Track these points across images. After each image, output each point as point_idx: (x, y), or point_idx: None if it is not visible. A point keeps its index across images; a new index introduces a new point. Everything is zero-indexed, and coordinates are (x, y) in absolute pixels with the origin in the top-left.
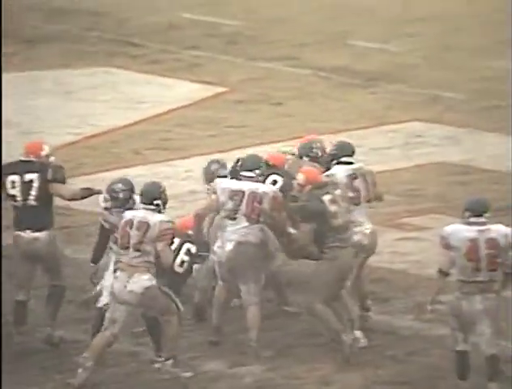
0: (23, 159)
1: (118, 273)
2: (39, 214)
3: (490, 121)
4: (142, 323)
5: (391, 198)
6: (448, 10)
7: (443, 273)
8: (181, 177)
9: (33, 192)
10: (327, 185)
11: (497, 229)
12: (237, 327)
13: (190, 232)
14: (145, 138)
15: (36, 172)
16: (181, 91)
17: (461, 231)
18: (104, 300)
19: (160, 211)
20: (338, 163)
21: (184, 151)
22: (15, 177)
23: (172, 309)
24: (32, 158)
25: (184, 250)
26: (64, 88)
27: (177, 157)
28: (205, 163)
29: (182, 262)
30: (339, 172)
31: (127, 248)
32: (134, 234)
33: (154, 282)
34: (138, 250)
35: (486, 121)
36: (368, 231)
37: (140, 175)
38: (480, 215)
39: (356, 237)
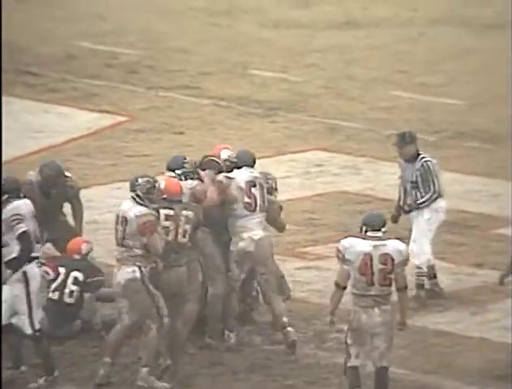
0: None
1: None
2: None
3: (388, 151)
4: None
5: (292, 227)
6: (344, 42)
7: (340, 286)
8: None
9: None
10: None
11: (393, 245)
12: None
13: (77, 257)
14: None
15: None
16: (80, 121)
17: (356, 245)
18: None
19: (140, 203)
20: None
21: (84, 180)
22: None
23: (152, 314)
24: None
25: (71, 279)
26: None
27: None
28: (109, 191)
29: (71, 292)
30: (239, 175)
31: (118, 243)
32: (119, 229)
33: (138, 275)
34: (122, 245)
35: (384, 150)
36: (256, 237)
37: None
38: (377, 230)
39: (241, 244)
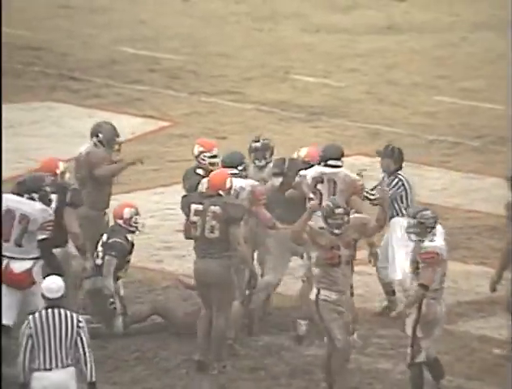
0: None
1: None
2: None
3: (431, 156)
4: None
5: None
6: (385, 47)
7: (427, 289)
8: None
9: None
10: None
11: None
12: None
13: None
14: None
15: (54, 193)
16: (123, 126)
17: (443, 246)
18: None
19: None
20: (325, 165)
21: (127, 185)
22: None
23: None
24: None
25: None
26: (5, 123)
27: (119, 191)
28: (151, 196)
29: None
30: (309, 173)
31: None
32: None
33: None
34: None
35: (427, 155)
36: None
37: None
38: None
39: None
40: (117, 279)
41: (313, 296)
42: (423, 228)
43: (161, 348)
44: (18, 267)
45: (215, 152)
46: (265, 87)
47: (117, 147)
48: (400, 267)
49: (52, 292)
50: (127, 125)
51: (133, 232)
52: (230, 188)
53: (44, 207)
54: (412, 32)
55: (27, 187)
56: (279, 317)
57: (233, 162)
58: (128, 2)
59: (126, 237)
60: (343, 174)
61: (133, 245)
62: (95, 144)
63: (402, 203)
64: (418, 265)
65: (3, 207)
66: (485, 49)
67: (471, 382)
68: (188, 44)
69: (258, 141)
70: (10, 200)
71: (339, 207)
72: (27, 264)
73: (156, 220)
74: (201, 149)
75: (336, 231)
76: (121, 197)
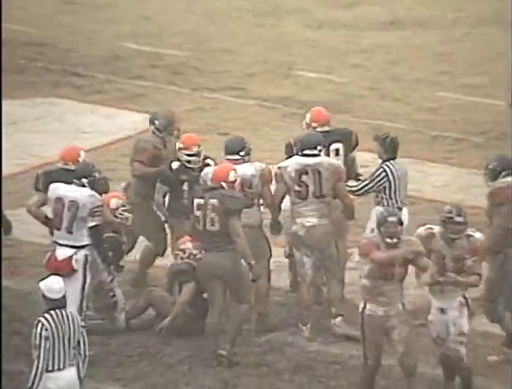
0: (63, 166)
1: None
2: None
3: (434, 152)
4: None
5: None
6: (389, 43)
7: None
8: None
9: None
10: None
11: None
12: None
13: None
14: None
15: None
16: (126, 121)
17: None
18: None
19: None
20: (303, 155)
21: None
22: None
23: None
24: (71, 166)
25: None
26: (8, 119)
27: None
28: None
29: None
30: (290, 165)
31: None
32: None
33: None
34: None
35: (430, 151)
36: (308, 224)
37: None
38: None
39: (294, 228)
40: (121, 268)
41: (359, 308)
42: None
43: (164, 343)
44: (62, 253)
45: (194, 151)
46: (267, 83)
47: (175, 132)
48: None
49: (54, 293)
50: (130, 121)
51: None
52: (234, 181)
53: (92, 192)
54: (416, 27)
55: (77, 174)
56: (282, 313)
57: (235, 148)
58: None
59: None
60: (326, 163)
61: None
62: (153, 132)
63: (385, 194)
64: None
65: (54, 196)
66: (489, 45)
67: (474, 378)
68: (191, 40)
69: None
70: (59, 188)
71: (392, 215)
72: (70, 251)
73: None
74: (180, 145)
75: (388, 240)
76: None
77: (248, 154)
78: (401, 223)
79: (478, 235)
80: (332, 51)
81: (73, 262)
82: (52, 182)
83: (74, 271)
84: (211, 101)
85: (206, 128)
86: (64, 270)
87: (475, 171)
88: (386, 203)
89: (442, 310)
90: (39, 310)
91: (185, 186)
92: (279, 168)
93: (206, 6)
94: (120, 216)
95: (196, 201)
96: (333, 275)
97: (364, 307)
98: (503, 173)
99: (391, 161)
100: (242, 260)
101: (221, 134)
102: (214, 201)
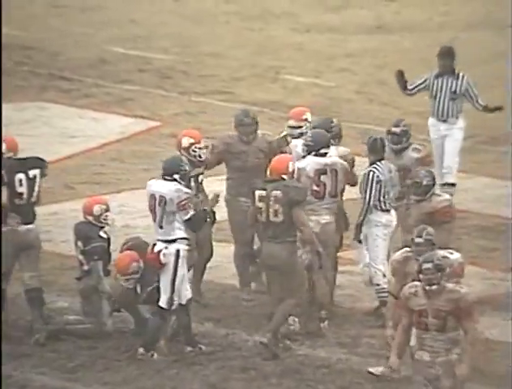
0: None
1: None
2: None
3: None
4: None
5: None
6: (376, 47)
7: None
8: (114, 212)
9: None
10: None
11: None
12: None
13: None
14: (77, 173)
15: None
16: (113, 126)
17: None
18: None
19: None
20: (315, 154)
21: (117, 185)
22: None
23: None
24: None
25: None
26: None
27: (109, 191)
28: (142, 196)
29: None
30: (310, 164)
31: None
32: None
33: None
34: None
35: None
36: (323, 221)
37: (73, 210)
38: None
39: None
40: (108, 272)
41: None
42: None
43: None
44: (157, 247)
45: (203, 144)
46: (255, 87)
47: (248, 129)
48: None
49: None
50: (117, 125)
51: (103, 227)
52: (293, 172)
53: (178, 186)
54: (403, 31)
55: (167, 169)
56: (270, 315)
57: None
58: (119, 2)
59: (100, 236)
60: (339, 162)
61: (109, 239)
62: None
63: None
64: None
65: (148, 192)
66: (476, 49)
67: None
68: (178, 43)
69: (398, 126)
70: (152, 185)
71: (429, 261)
72: (160, 246)
73: (148, 221)
74: (191, 141)
75: (427, 287)
76: (111, 197)
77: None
78: (439, 269)
79: (454, 256)
80: (320, 55)
81: (161, 256)
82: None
83: (162, 264)
84: (199, 105)
85: None
86: (154, 263)
87: (463, 175)
88: (377, 205)
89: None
90: (26, 314)
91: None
92: (298, 168)
93: (194, 10)
94: (104, 222)
95: (257, 193)
96: (325, 275)
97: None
98: (433, 188)
99: (378, 163)
100: (299, 254)
101: (209, 138)
102: (277, 192)
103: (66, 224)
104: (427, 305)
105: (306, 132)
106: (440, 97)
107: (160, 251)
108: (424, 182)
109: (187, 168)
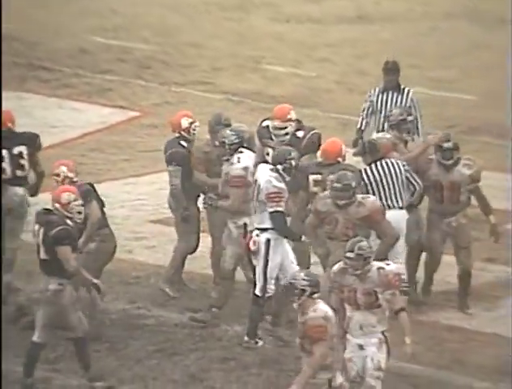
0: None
1: None
2: None
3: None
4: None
5: None
6: (356, 37)
7: None
8: None
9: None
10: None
11: None
12: None
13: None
14: None
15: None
16: (93, 116)
17: None
18: None
19: None
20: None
21: (97, 175)
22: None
23: None
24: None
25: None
26: None
27: (90, 182)
28: (122, 186)
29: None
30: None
31: None
32: None
33: None
34: None
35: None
36: None
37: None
38: None
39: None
40: None
41: None
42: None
43: (132, 338)
44: (252, 233)
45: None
46: (236, 77)
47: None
48: None
49: None
50: (97, 115)
51: (70, 218)
52: (345, 154)
53: (270, 178)
54: (383, 21)
55: (274, 158)
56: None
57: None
58: None
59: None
60: None
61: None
62: None
63: None
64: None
65: (254, 178)
66: (456, 39)
67: (440, 372)
68: (158, 33)
69: (449, 140)
70: (259, 170)
71: (351, 251)
72: (255, 233)
73: (127, 211)
74: (190, 120)
75: (353, 273)
76: None
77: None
78: (362, 257)
79: (390, 267)
80: (300, 45)
81: (250, 243)
82: None
83: (251, 251)
84: (179, 95)
85: None
86: (245, 249)
87: None
88: None
89: (361, 346)
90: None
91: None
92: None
93: (174, 0)
94: (71, 212)
95: (312, 177)
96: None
97: None
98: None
99: (371, 165)
100: None
101: None
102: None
103: None
104: None
105: (291, 132)
106: (385, 112)
107: (250, 238)
108: (353, 184)
109: (293, 162)
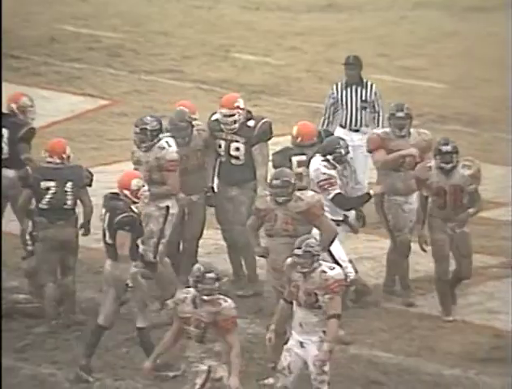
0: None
1: None
2: None
3: None
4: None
5: None
6: (326, 25)
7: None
8: None
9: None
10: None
11: None
12: None
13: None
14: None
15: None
16: (62, 104)
17: None
18: None
19: None
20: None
21: None
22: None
23: None
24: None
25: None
26: None
27: None
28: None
29: None
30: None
31: None
32: None
33: None
34: None
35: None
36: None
37: None
38: None
39: None
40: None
41: None
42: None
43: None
44: None
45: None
46: (205, 66)
47: (183, 133)
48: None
49: None
50: (67, 103)
51: (136, 202)
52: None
53: (319, 166)
54: (352, 10)
55: (323, 148)
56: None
57: None
58: None
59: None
60: None
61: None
62: None
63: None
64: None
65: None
66: (426, 28)
67: (409, 359)
68: (128, 22)
69: (448, 144)
70: (313, 162)
71: (299, 248)
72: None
73: (96, 199)
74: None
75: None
76: None
77: None
78: (310, 254)
79: (332, 272)
80: (270, 33)
81: None
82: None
83: None
84: (149, 84)
85: (144, 111)
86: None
87: None
88: None
89: (301, 344)
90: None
91: None
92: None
93: None
94: (139, 198)
95: (296, 158)
96: None
97: None
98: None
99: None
100: None
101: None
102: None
103: None
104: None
105: (240, 120)
106: (351, 107)
107: None
108: (292, 180)
109: (343, 151)
